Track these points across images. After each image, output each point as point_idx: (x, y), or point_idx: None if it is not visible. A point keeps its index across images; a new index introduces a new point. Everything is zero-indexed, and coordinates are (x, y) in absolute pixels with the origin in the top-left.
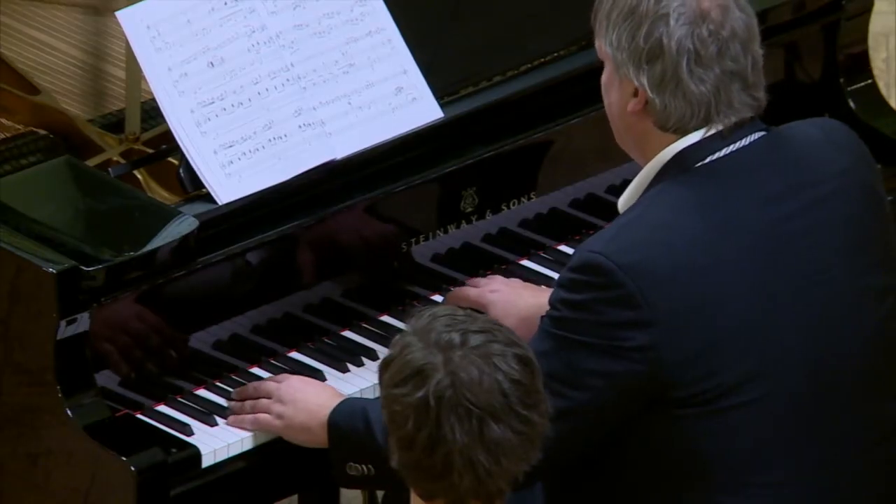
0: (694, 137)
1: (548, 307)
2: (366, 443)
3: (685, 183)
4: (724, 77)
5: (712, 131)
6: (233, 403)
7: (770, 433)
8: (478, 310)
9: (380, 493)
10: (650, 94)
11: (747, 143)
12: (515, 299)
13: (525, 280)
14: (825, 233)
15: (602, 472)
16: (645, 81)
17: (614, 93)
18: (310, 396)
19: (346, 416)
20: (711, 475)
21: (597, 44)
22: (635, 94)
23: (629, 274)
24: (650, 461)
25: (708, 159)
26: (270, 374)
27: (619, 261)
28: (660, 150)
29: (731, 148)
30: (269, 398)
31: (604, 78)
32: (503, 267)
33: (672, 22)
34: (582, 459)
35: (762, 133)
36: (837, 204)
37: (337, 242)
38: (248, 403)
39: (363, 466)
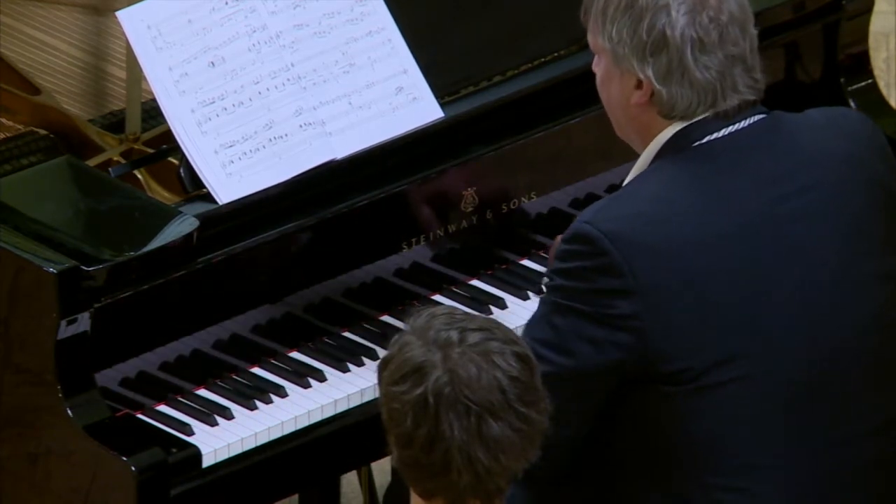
0: (694, 119)
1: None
2: None
3: (681, 160)
4: (727, 62)
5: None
6: None
7: (761, 415)
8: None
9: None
10: (656, 86)
11: (746, 124)
12: None
13: (525, 279)
14: (820, 217)
15: (596, 455)
16: (651, 74)
17: (615, 86)
18: None
19: None
20: (701, 456)
21: (590, 39)
22: (638, 86)
23: (614, 242)
24: (642, 443)
25: (706, 139)
26: (270, 374)
27: (604, 228)
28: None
29: (730, 129)
30: None
31: (600, 72)
32: (503, 267)
33: (673, 12)
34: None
35: (762, 115)
36: (835, 190)
37: (337, 242)
38: None
39: None
